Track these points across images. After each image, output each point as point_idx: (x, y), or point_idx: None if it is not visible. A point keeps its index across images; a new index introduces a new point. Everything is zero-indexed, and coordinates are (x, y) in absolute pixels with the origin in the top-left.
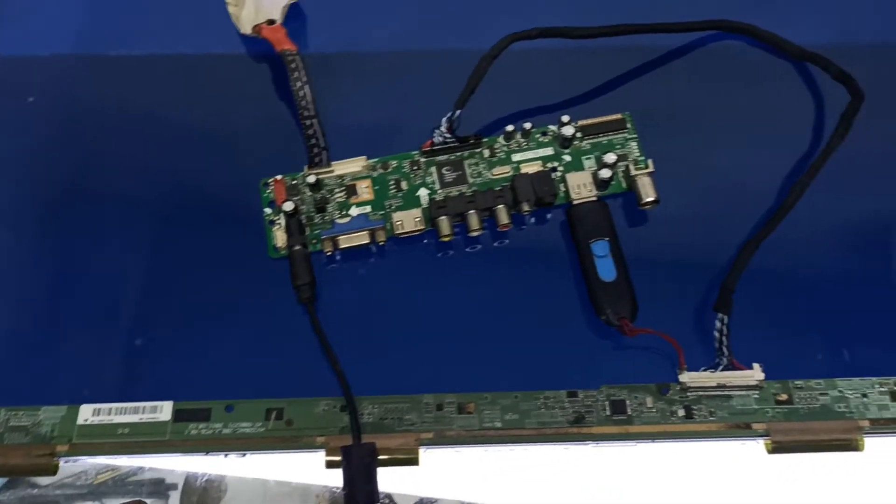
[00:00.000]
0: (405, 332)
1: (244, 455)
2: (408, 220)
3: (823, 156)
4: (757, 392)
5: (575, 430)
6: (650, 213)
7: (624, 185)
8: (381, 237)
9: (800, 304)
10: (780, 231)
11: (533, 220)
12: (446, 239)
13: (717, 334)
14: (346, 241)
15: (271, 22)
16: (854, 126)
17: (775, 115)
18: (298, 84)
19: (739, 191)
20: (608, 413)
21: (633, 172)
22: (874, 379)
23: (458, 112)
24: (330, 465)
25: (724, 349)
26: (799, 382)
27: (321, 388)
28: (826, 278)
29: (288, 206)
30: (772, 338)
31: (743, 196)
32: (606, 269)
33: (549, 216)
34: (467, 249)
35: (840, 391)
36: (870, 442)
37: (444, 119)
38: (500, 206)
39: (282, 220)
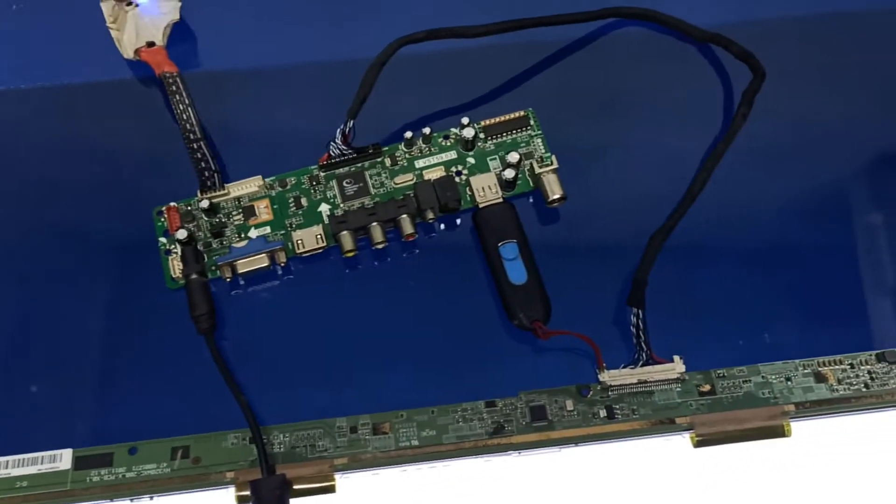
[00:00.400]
0: (313, 354)
1: (151, 499)
2: (308, 238)
3: (728, 138)
4: (679, 385)
5: (495, 441)
6: (559, 211)
7: (531, 183)
8: (282, 258)
9: (716, 291)
10: (691, 218)
11: (441, 227)
12: (350, 255)
13: (633, 329)
14: (244, 266)
15: (151, 44)
16: (762, 105)
17: (682, 99)
18: (181, 107)
19: (649, 180)
20: (528, 420)
21: (538, 170)
22: (797, 361)
23: (351, 122)
24: (241, 500)
25: (642, 344)
26: (721, 371)
27: (228, 421)
28: (740, 262)
29: (181, 234)
30: (690, 328)
31: (653, 185)
32: (516, 272)
33: (457, 222)
34: (374, 263)
35: (763, 377)
36: (797, 426)
37: (338, 131)
38: (404, 215)
39: (177, 249)
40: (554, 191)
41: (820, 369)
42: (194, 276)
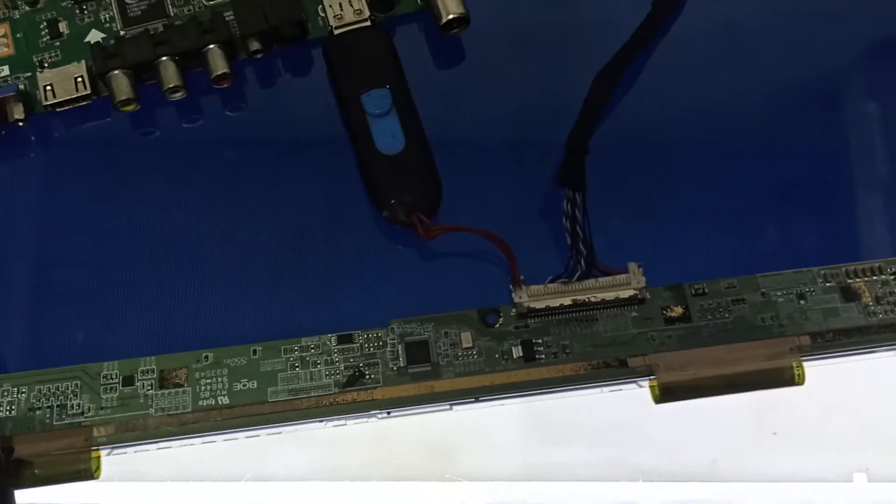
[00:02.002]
0: (67, 264)
1: None
2: (62, 83)
3: None
4: (635, 307)
5: (350, 396)
6: (459, 41)
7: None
8: (18, 112)
9: (690, 176)
10: (657, 75)
11: (273, 65)
12: (127, 108)
13: (566, 223)
14: None
15: None
16: None
17: None
18: None
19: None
20: (402, 364)
21: None
22: (814, 269)
23: None
24: None
25: (581, 245)
26: (700, 285)
27: None
28: (724, 140)
29: None
30: (654, 226)
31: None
32: (388, 136)
33: (299, 57)
34: (166, 122)
35: (763, 293)
36: (813, 369)
37: None
38: (212, 46)
39: None
40: (450, 8)
41: (849, 281)
42: None
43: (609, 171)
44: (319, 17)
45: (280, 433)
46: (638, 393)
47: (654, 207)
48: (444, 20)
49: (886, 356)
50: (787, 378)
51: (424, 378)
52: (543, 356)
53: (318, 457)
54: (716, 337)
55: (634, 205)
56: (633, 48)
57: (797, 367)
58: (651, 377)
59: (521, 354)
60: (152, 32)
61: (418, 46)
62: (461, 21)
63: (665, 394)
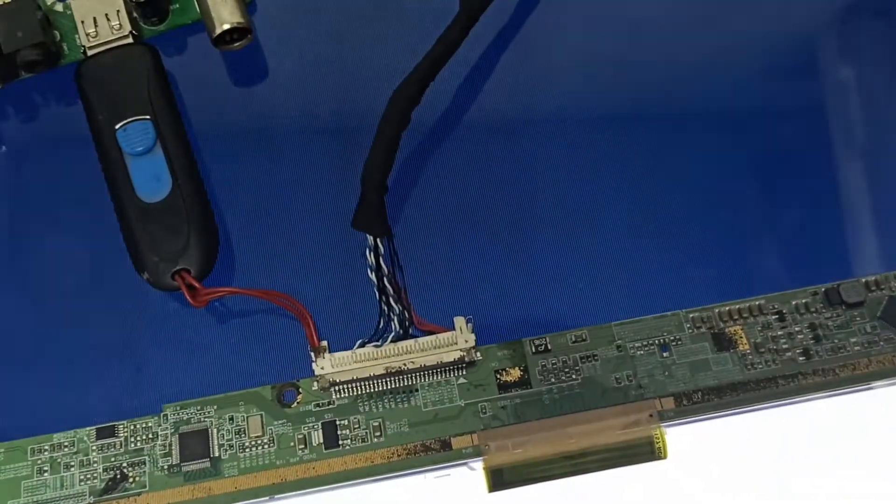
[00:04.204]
0: None
1: None
2: None
3: None
4: (464, 372)
5: None
6: (240, 57)
7: (198, 9)
8: None
9: (529, 207)
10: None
11: (24, 95)
12: None
13: (371, 274)
14: None
15: None
16: None
17: None
18: None
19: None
20: (174, 461)
21: None
22: (681, 312)
23: None
24: None
25: (391, 301)
26: (541, 339)
27: None
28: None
29: None
30: (483, 274)
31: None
32: (150, 179)
33: (49, 85)
34: None
35: (619, 345)
36: (677, 437)
37: None
38: None
39: None
40: (224, 17)
41: (723, 325)
42: None
43: (436, 206)
44: (75, 35)
45: None
46: (465, 478)
47: (491, 251)
48: (217, 32)
49: (765, 413)
50: (646, 452)
51: (201, 478)
52: (349, 441)
53: None
54: (560, 405)
55: (468, 249)
56: (434, 62)
57: (658, 436)
58: (480, 459)
59: (321, 441)
60: None
61: (196, 66)
62: (241, 33)
63: (497, 481)
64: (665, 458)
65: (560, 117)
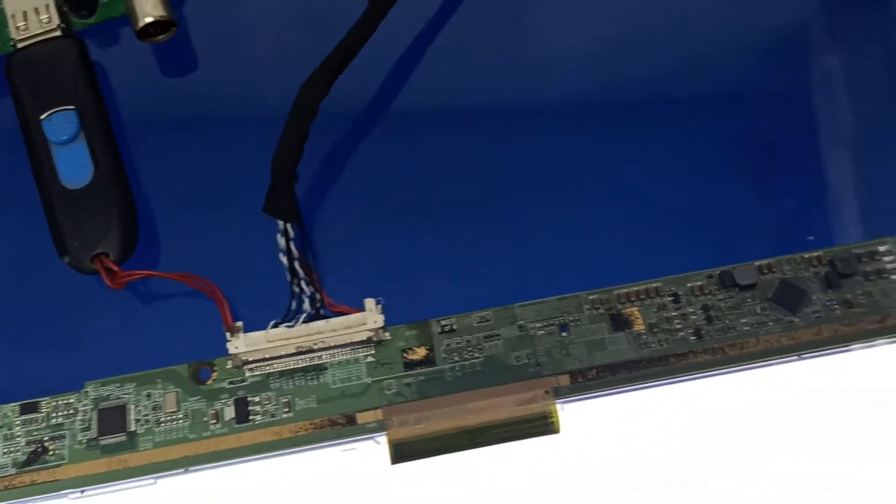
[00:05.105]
0: None
1: None
2: None
3: None
4: (372, 351)
5: (28, 478)
6: (164, 49)
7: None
8: None
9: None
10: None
11: None
12: None
13: (282, 258)
14: None
15: None
16: None
17: None
18: None
19: None
20: (95, 434)
21: None
22: (580, 294)
23: None
24: None
25: (303, 284)
26: (448, 320)
27: None
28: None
29: None
30: (395, 253)
31: None
32: (73, 167)
33: None
34: None
35: (521, 325)
36: (571, 413)
37: None
38: None
39: None
40: (146, 10)
41: (620, 307)
42: None
43: (352, 190)
44: (7, 31)
45: None
46: (371, 451)
47: (403, 236)
48: (139, 25)
49: (659, 389)
50: (540, 427)
51: (118, 450)
52: (259, 417)
53: None
54: (462, 382)
55: (383, 231)
56: (345, 53)
57: (552, 413)
58: (384, 433)
59: (233, 416)
60: None
61: (124, 58)
62: (165, 26)
63: (399, 453)
64: (559, 432)
65: (473, 106)
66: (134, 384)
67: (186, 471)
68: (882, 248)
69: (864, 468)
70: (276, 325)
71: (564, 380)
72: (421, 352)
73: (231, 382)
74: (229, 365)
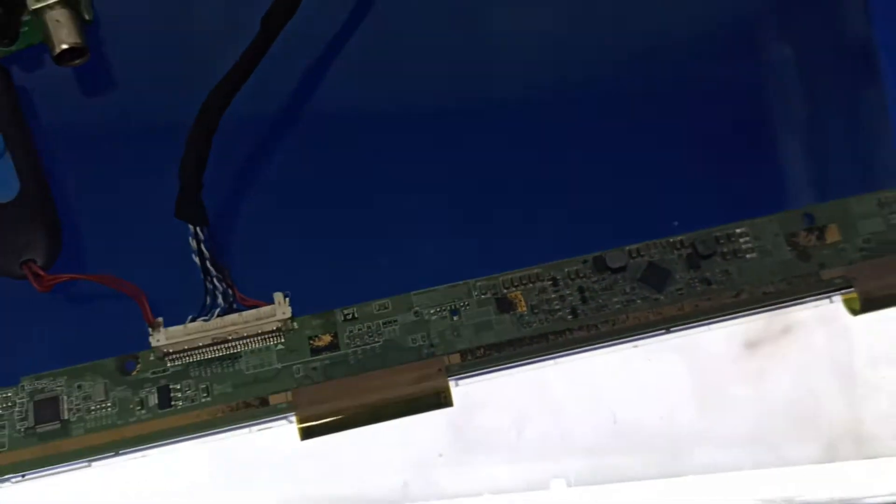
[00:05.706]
0: None
1: None
2: None
3: None
4: (281, 340)
5: None
6: (83, 73)
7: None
8: None
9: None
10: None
11: None
12: None
13: (195, 258)
14: None
15: None
16: None
17: None
18: None
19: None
20: (32, 423)
21: (35, 3)
22: (471, 282)
23: None
24: None
25: (215, 280)
26: (350, 309)
27: None
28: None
29: None
30: (302, 248)
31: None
32: (0, 183)
33: None
34: None
35: (417, 311)
36: (463, 389)
37: None
38: None
39: None
40: (62, 38)
41: (505, 291)
42: None
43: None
44: None
45: None
46: (284, 430)
47: (309, 235)
48: (56, 52)
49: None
50: (434, 401)
51: (52, 437)
52: (180, 402)
53: None
54: (363, 364)
55: (288, 230)
56: (241, 73)
57: (445, 388)
58: (294, 412)
59: (156, 402)
60: None
61: (43, 82)
62: (80, 51)
63: (308, 431)
64: (451, 405)
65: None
66: (66, 377)
67: (117, 454)
68: (738, 230)
69: None
70: (193, 320)
71: (455, 358)
72: (326, 338)
73: (154, 373)
74: (152, 357)
